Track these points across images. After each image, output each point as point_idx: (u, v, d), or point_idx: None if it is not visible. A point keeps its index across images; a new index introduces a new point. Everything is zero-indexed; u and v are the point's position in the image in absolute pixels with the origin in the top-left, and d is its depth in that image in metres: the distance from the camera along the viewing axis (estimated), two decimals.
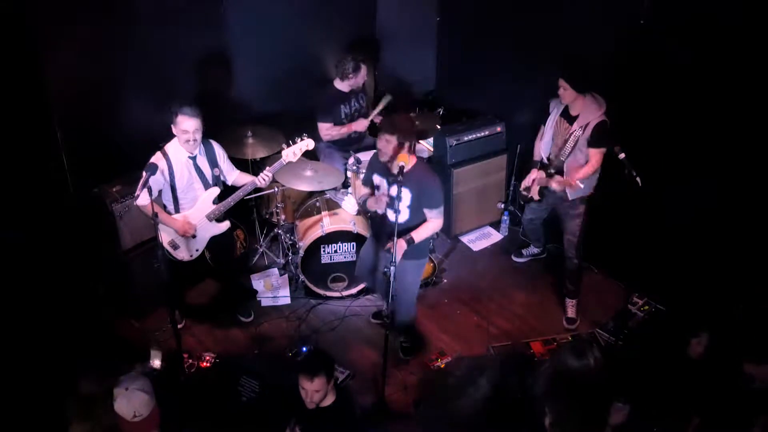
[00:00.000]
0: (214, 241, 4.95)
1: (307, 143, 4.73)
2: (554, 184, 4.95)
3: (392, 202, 4.24)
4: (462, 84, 6.82)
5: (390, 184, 4.30)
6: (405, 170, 4.18)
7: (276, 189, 5.45)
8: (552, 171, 5.04)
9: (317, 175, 5.41)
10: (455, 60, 6.91)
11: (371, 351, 5.26)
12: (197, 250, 4.88)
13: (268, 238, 6.18)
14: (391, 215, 4.40)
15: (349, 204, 5.37)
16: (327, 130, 5.83)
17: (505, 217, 6.44)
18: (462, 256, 6.35)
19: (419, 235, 4.42)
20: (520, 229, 6.24)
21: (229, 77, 6.05)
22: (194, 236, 4.78)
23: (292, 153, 4.69)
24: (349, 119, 5.92)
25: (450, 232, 6.45)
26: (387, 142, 4.24)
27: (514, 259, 6.15)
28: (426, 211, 4.40)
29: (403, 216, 4.39)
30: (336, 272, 5.67)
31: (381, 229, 4.64)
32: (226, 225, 4.93)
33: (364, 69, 5.72)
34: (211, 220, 4.78)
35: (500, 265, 6.27)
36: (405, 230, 4.42)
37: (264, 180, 4.67)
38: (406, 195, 4.39)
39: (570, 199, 5.05)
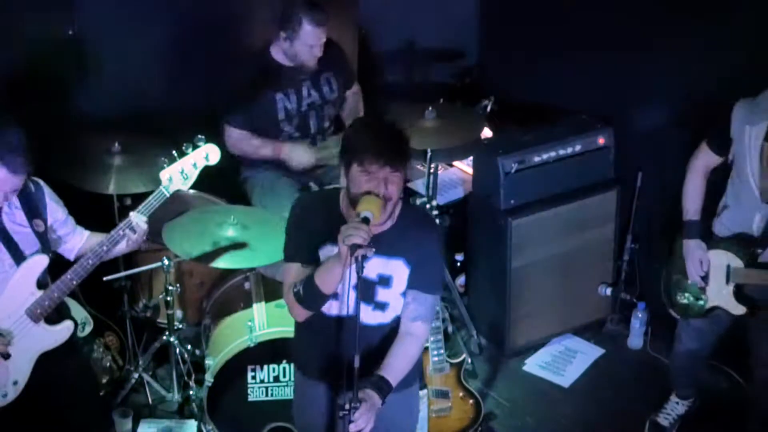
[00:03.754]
0: (49, 366, 3.71)
1: (208, 153, 3.66)
2: None
3: (367, 292, 3.11)
4: (527, 57, 5.62)
5: (357, 262, 2.97)
6: (380, 223, 3.08)
7: (165, 262, 4.29)
8: (760, 251, 3.82)
9: (247, 233, 4.26)
10: (515, 11, 5.73)
11: None
12: (15, 385, 3.60)
13: (150, 354, 4.68)
14: (367, 314, 3.17)
15: None
16: (236, 139, 4.56)
17: (640, 313, 4.95)
18: (530, 390, 4.88)
19: (401, 370, 3.17)
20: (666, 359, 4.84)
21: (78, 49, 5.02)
22: (6, 356, 3.59)
23: (178, 174, 3.64)
24: (297, 120, 4.59)
25: (505, 345, 4.94)
26: (394, 181, 3.03)
27: (657, 421, 4.59)
28: (413, 301, 3.18)
29: (388, 314, 3.17)
30: (276, 422, 4.28)
31: (335, 346, 3.23)
32: (66, 327, 3.68)
33: (311, 27, 4.38)
34: (37, 321, 3.60)
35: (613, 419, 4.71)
36: (373, 353, 3.18)
37: (132, 233, 3.57)
38: (400, 271, 3.14)
39: None
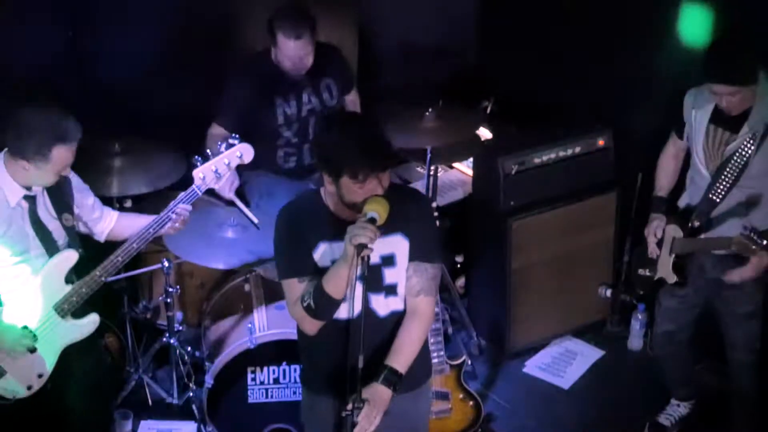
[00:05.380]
0: (71, 361, 3.68)
1: (242, 151, 3.57)
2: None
3: (374, 280, 3.05)
4: (527, 57, 5.59)
5: (363, 262, 2.99)
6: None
7: (165, 263, 4.24)
8: (697, 224, 3.82)
9: (246, 235, 4.24)
10: (515, 11, 5.68)
11: None
12: (39, 377, 3.59)
13: (150, 355, 4.62)
14: (380, 304, 3.11)
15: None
16: (215, 137, 4.35)
17: (640, 314, 4.90)
18: (530, 392, 4.81)
19: (409, 355, 3.10)
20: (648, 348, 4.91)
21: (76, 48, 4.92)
22: (32, 349, 3.58)
23: (211, 172, 3.57)
24: (296, 126, 4.49)
25: (505, 346, 4.86)
26: (386, 176, 3.06)
27: (658, 421, 4.52)
28: (415, 273, 3.12)
29: (401, 297, 3.10)
30: (276, 424, 4.24)
31: (344, 352, 3.09)
32: (92, 321, 3.69)
33: (285, 40, 4.26)
34: (64, 315, 3.59)
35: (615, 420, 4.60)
36: (388, 348, 3.11)
37: (180, 217, 3.56)
38: (400, 246, 3.11)
39: (735, 280, 3.80)
